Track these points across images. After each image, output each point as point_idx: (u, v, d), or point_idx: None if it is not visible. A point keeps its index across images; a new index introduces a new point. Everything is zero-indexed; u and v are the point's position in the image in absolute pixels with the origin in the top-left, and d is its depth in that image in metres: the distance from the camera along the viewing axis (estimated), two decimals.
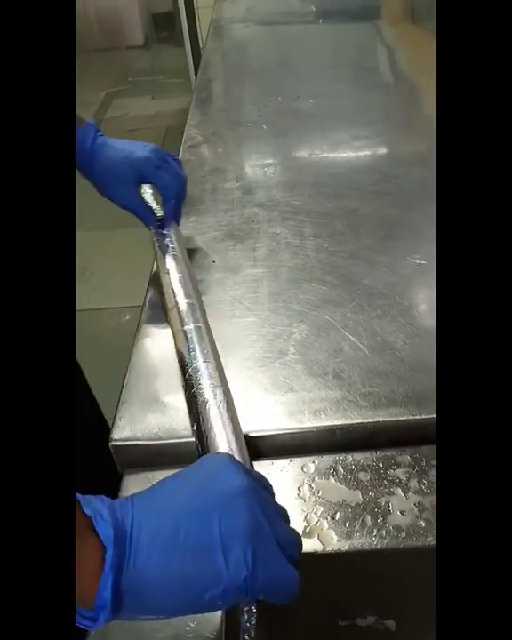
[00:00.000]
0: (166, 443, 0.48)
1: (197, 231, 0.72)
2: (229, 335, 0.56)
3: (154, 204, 0.67)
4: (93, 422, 0.82)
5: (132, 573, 0.30)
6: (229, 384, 0.49)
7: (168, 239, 0.64)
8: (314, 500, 0.44)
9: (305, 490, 0.45)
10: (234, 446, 0.43)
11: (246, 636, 0.36)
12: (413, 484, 0.44)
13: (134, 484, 0.47)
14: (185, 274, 0.60)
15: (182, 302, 0.56)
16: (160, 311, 0.59)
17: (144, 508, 0.32)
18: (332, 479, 0.45)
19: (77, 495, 0.32)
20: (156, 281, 0.62)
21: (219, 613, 0.39)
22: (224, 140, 0.94)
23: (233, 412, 0.46)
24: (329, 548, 0.41)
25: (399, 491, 0.44)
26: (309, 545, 0.42)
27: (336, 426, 0.48)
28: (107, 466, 0.50)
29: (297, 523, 0.43)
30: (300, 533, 0.42)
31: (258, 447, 0.48)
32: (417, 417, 0.47)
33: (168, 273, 0.60)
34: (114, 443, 0.48)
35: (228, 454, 0.37)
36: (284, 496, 0.45)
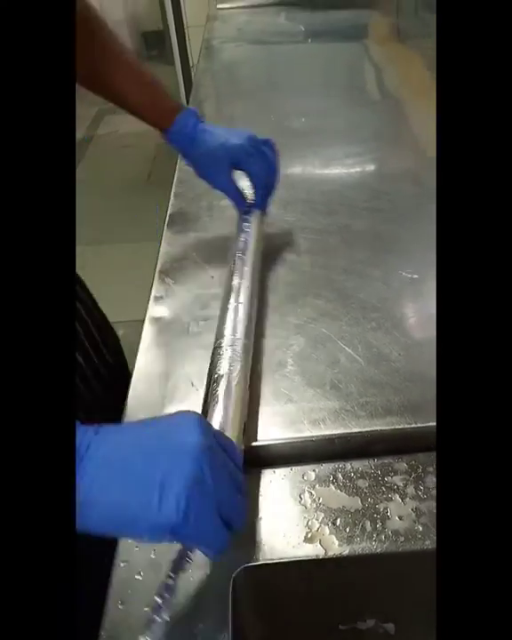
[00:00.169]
0: None
1: (195, 247, 0.73)
2: None
3: (247, 190, 0.71)
4: None
5: (79, 488, 0.34)
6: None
7: (246, 224, 0.69)
8: (315, 506, 0.46)
9: (306, 497, 0.47)
10: (229, 418, 0.45)
11: (164, 593, 0.38)
12: (410, 490, 0.46)
13: None
14: (248, 257, 0.64)
15: (236, 281, 0.60)
16: (163, 326, 0.61)
17: (104, 438, 0.36)
18: (332, 486, 0.47)
19: None
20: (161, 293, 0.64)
21: (228, 617, 0.40)
22: None
23: (243, 389, 0.49)
24: (331, 553, 0.43)
25: (397, 497, 0.46)
26: (312, 550, 0.43)
27: (335, 435, 0.49)
28: None
29: (299, 529, 0.44)
30: (303, 539, 0.44)
31: (259, 456, 0.49)
32: (413, 425, 0.49)
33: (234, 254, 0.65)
34: None
35: (198, 415, 0.39)
36: (286, 503, 0.46)
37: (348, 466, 0.48)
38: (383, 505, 0.45)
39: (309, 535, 0.44)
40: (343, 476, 0.48)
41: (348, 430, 0.49)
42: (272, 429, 0.50)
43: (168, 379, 0.56)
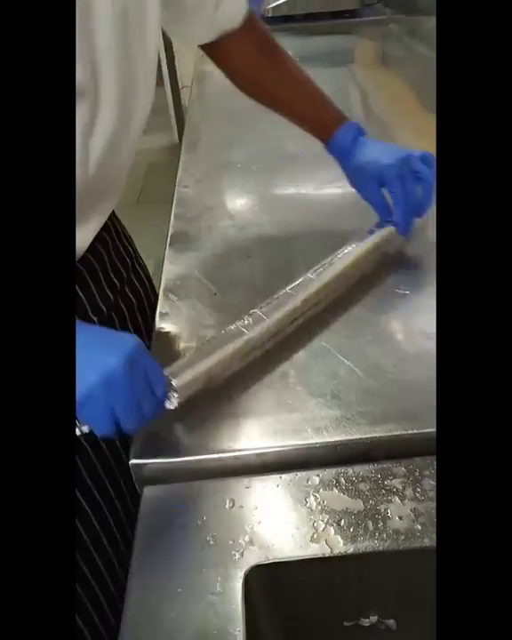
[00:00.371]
0: (183, 460, 0.52)
1: (197, 266, 0.77)
2: (232, 363, 0.61)
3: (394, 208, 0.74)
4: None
5: None
6: (239, 401, 0.54)
7: (371, 235, 0.72)
8: (320, 508, 0.49)
9: (311, 500, 0.50)
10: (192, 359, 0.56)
11: None
12: (409, 492, 0.49)
13: (153, 498, 0.51)
14: (344, 262, 0.69)
15: (309, 276, 0.66)
16: (169, 340, 0.64)
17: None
18: (335, 490, 0.50)
19: None
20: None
21: (240, 614, 0.43)
22: (216, 181, 1.00)
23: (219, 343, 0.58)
24: (336, 551, 0.46)
25: (396, 498, 0.49)
26: (318, 549, 0.46)
27: (337, 442, 0.52)
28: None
29: (306, 530, 0.47)
30: (309, 539, 0.47)
31: (266, 462, 0.52)
32: (410, 432, 0.52)
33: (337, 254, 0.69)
34: (132, 462, 0.53)
35: (138, 341, 0.49)
36: (293, 506, 0.49)
37: (350, 470, 0.51)
38: (384, 506, 0.48)
39: (315, 535, 0.47)
40: (345, 479, 0.51)
41: (350, 437, 0.52)
42: (277, 436, 0.53)
43: None
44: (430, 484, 0.50)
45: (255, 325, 0.60)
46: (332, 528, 0.47)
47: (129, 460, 0.53)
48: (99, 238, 0.73)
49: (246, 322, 0.60)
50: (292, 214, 0.88)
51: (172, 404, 0.53)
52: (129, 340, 0.49)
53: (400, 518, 0.48)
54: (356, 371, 0.59)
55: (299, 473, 0.52)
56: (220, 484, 0.52)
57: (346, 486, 0.50)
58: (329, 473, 0.51)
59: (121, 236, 0.81)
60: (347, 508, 0.49)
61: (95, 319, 0.71)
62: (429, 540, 0.46)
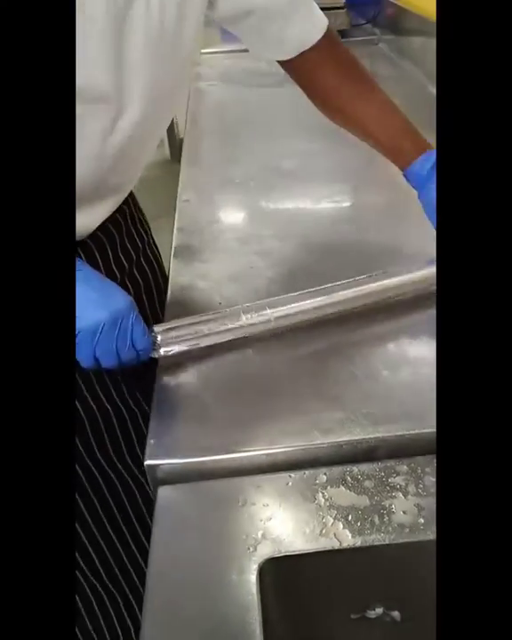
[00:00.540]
0: (196, 461, 0.55)
1: (201, 275, 0.80)
2: (242, 368, 0.64)
3: None
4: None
5: None
6: (248, 405, 0.57)
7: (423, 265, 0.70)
8: (328, 505, 0.51)
9: (319, 497, 0.52)
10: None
11: None
12: (411, 488, 0.52)
13: (168, 498, 0.54)
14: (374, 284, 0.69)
15: (333, 286, 0.68)
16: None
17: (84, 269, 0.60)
18: (341, 487, 0.53)
19: None
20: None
21: (256, 603, 0.45)
22: (215, 196, 1.03)
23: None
24: (345, 544, 0.48)
25: (400, 494, 0.52)
26: (328, 543, 0.49)
27: (342, 442, 0.55)
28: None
29: (315, 525, 0.50)
30: (319, 533, 0.49)
31: (275, 461, 0.55)
32: (411, 432, 0.55)
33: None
34: (147, 462, 0.55)
35: (130, 303, 0.59)
36: (302, 503, 0.52)
37: (355, 469, 0.54)
38: (388, 502, 0.51)
39: (324, 530, 0.50)
40: (351, 477, 0.54)
41: (355, 437, 0.55)
42: (286, 438, 0.56)
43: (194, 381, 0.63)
44: (431, 480, 0.52)
45: (255, 311, 0.65)
46: (340, 523, 0.50)
47: (144, 461, 0.55)
48: (112, 220, 0.79)
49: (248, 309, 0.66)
50: (292, 228, 0.91)
51: (157, 353, 0.63)
52: (120, 301, 0.59)
53: (404, 513, 0.50)
54: (358, 375, 0.62)
55: (307, 471, 0.54)
56: (231, 483, 0.54)
57: (352, 484, 0.53)
58: (335, 471, 0.54)
59: (136, 220, 0.87)
60: (353, 504, 0.51)
61: None
62: (432, 533, 0.49)
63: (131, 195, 0.88)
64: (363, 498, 0.52)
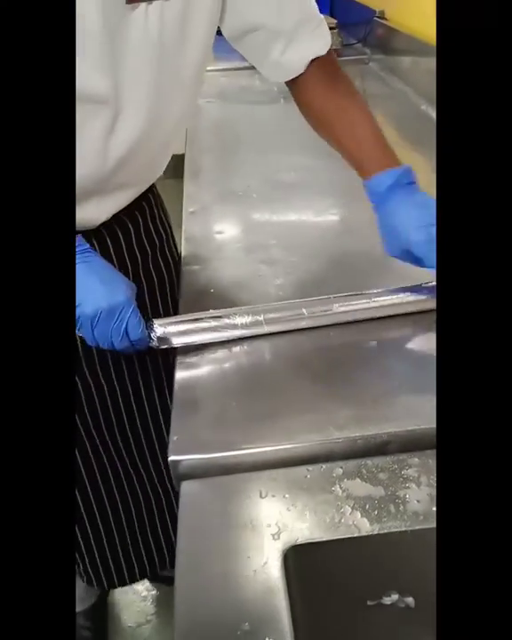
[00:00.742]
0: (217, 456, 0.57)
1: (211, 282, 0.83)
2: (256, 368, 0.67)
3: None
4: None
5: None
6: (267, 404, 0.59)
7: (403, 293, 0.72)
8: (345, 496, 0.54)
9: (336, 488, 0.55)
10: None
11: None
12: (424, 479, 0.55)
13: (191, 493, 0.56)
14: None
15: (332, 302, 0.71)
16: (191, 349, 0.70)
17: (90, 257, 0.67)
18: (357, 479, 0.56)
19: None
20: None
21: (282, 586, 0.48)
22: (220, 207, 1.06)
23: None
24: (364, 532, 0.51)
25: (413, 485, 0.55)
26: (347, 531, 0.51)
27: (357, 437, 0.58)
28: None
29: (334, 514, 0.53)
30: (338, 522, 0.52)
31: (293, 456, 0.58)
32: (422, 427, 0.58)
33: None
34: (171, 458, 0.58)
35: (129, 297, 0.66)
36: (321, 494, 0.54)
37: (370, 462, 0.57)
38: (402, 492, 0.54)
39: (343, 519, 0.52)
40: (366, 470, 0.56)
41: (368, 432, 0.58)
42: (303, 434, 0.59)
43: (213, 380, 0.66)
44: None
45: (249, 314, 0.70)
46: (357, 512, 0.53)
47: (167, 457, 0.58)
48: (129, 214, 0.85)
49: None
50: (295, 238, 0.94)
51: (152, 341, 0.68)
52: (120, 295, 0.65)
53: (418, 502, 0.53)
54: (368, 375, 0.65)
55: (324, 465, 0.57)
56: (251, 476, 0.57)
57: (367, 476, 0.56)
58: (351, 465, 0.57)
59: (155, 219, 0.92)
60: (369, 495, 0.54)
61: None
62: None
63: (153, 194, 0.93)
64: (378, 489, 0.55)
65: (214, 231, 0.97)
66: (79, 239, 0.69)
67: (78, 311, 0.65)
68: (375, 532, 0.51)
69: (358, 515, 0.53)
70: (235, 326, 0.69)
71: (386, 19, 1.96)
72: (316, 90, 0.80)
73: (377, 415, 0.60)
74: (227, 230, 0.97)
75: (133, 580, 1.08)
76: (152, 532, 1.04)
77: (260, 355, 0.69)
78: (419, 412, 0.60)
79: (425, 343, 0.69)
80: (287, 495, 0.55)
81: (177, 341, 0.69)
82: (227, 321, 0.69)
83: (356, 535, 0.51)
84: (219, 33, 0.77)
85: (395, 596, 0.55)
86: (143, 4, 0.64)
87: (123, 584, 1.07)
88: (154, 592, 1.33)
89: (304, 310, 0.70)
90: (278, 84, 1.99)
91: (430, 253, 0.65)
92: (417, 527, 0.51)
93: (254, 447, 0.58)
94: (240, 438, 0.59)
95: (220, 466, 0.58)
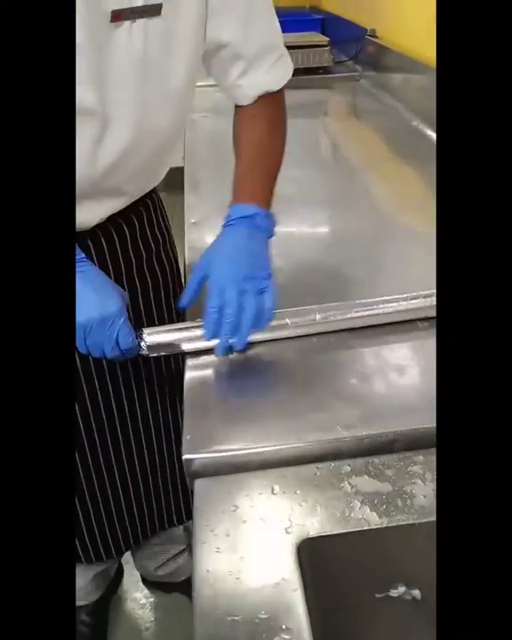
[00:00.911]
0: (230, 454, 0.60)
1: None
2: (263, 371, 0.69)
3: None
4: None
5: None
6: (276, 406, 0.62)
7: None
8: (354, 491, 0.56)
9: (345, 485, 0.57)
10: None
11: None
12: (429, 475, 0.57)
13: (205, 490, 0.58)
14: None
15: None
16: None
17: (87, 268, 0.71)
18: (365, 476, 0.58)
19: None
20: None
21: (298, 576, 0.50)
22: (220, 218, 1.08)
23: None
24: (373, 525, 0.53)
25: (419, 481, 0.57)
26: (357, 524, 0.54)
27: (364, 435, 0.60)
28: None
29: (344, 509, 0.55)
30: (348, 516, 0.54)
31: (303, 454, 0.60)
32: (426, 426, 0.61)
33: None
34: (185, 457, 0.60)
35: (120, 308, 0.69)
36: (331, 490, 0.56)
37: (376, 460, 0.59)
38: (409, 487, 0.56)
39: (353, 513, 0.55)
40: (373, 468, 0.59)
41: (374, 431, 0.61)
42: (312, 433, 0.61)
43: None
44: None
45: None
46: (366, 506, 0.55)
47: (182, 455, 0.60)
48: (125, 218, 0.88)
49: None
50: (294, 248, 0.97)
51: (142, 350, 0.71)
52: (112, 305, 0.68)
53: (424, 496, 0.56)
54: (371, 378, 0.68)
55: (332, 463, 0.59)
56: (262, 474, 0.59)
57: (374, 473, 0.58)
58: (358, 462, 0.59)
59: (153, 225, 0.95)
60: (377, 490, 0.56)
61: None
62: None
63: (153, 200, 0.96)
64: (385, 484, 0.57)
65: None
66: (76, 250, 0.72)
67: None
68: (384, 525, 0.53)
69: (367, 509, 0.55)
70: None
71: (377, 37, 2.01)
72: (253, 123, 0.84)
73: (382, 415, 0.62)
74: None
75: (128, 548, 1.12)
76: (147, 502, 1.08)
77: (266, 357, 0.71)
78: (422, 411, 0.62)
79: (425, 347, 0.72)
80: (298, 491, 0.57)
81: (166, 350, 0.72)
82: None
83: (365, 528, 0.53)
84: None
85: (402, 589, 0.58)
86: (127, 22, 0.67)
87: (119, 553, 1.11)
88: (152, 599, 1.33)
89: (288, 320, 0.73)
90: None
91: (220, 311, 0.69)
92: (423, 520, 0.53)
93: (264, 446, 0.60)
94: (250, 437, 0.61)
95: (231, 464, 0.60)
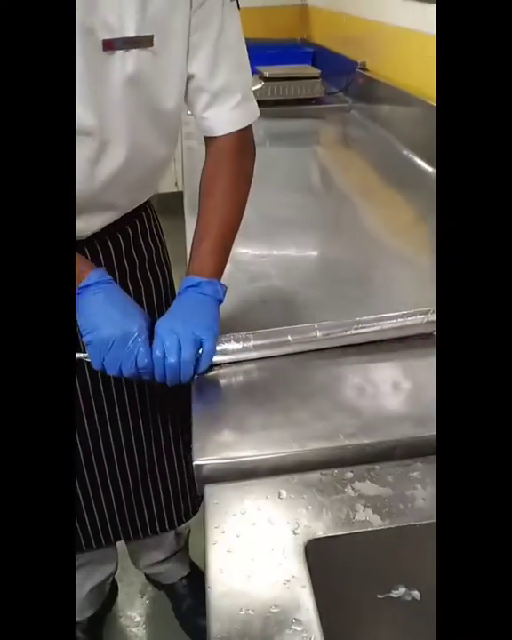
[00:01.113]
0: (237, 461, 0.62)
1: (220, 310, 0.88)
2: (267, 384, 0.72)
3: None
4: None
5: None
6: (280, 416, 0.65)
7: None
8: (357, 496, 0.59)
9: (349, 489, 0.60)
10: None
11: None
12: (428, 480, 0.61)
13: (214, 495, 0.61)
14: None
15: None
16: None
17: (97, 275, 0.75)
18: (367, 481, 0.61)
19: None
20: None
21: (306, 574, 0.52)
22: None
23: None
24: (377, 526, 0.56)
25: (419, 486, 0.60)
26: (361, 526, 0.56)
27: (365, 444, 0.64)
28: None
29: (348, 512, 0.58)
30: (352, 518, 0.57)
31: (307, 461, 0.63)
32: (425, 434, 0.64)
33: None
34: (195, 462, 0.62)
35: (141, 329, 0.72)
36: (335, 494, 0.59)
37: (377, 467, 0.62)
38: (409, 492, 0.60)
39: (356, 515, 0.58)
40: (375, 473, 0.62)
41: (375, 439, 0.64)
42: (315, 441, 0.64)
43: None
44: None
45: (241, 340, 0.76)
46: (369, 509, 0.58)
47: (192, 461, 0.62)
48: (120, 228, 0.93)
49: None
50: (294, 270, 1.01)
51: None
52: (134, 324, 0.71)
53: (424, 500, 0.59)
54: (371, 391, 0.71)
55: (335, 470, 0.62)
56: (269, 480, 0.62)
57: (376, 478, 0.61)
58: (360, 469, 0.62)
59: (146, 235, 1.00)
60: (379, 494, 0.59)
61: None
62: None
63: (147, 211, 1.01)
64: (387, 489, 0.60)
65: None
66: (102, 272, 0.76)
67: (93, 336, 0.71)
68: (386, 527, 0.56)
69: (370, 511, 0.58)
70: (225, 352, 0.75)
71: (367, 70, 2.09)
72: (216, 174, 0.88)
73: (382, 424, 0.66)
74: (229, 260, 1.03)
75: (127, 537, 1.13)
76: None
77: (270, 371, 0.75)
78: (422, 420, 0.66)
79: (421, 361, 0.76)
80: (304, 496, 0.60)
81: None
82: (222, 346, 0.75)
83: (368, 529, 0.56)
84: None
85: (402, 589, 0.60)
86: (120, 51, 0.73)
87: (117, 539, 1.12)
88: (146, 617, 1.34)
89: (289, 337, 0.77)
90: (266, 128, 2.09)
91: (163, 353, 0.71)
92: (424, 522, 0.57)
93: (271, 453, 0.63)
94: (257, 445, 0.64)
95: (239, 470, 0.62)
